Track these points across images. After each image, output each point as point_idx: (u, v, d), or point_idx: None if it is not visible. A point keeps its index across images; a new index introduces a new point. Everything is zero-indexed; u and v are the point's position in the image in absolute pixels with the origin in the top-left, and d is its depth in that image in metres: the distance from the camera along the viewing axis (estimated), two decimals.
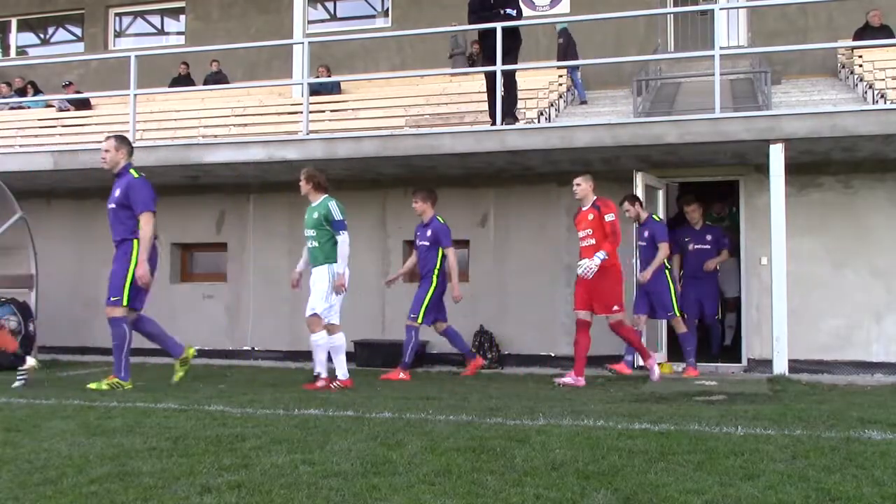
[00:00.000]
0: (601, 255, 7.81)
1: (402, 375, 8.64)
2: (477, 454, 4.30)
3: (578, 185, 8.16)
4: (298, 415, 5.69)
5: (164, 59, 16.39)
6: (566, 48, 14.19)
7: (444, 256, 8.91)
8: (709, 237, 9.54)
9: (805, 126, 8.40)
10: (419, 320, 8.78)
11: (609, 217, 7.98)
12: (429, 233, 8.95)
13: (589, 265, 7.83)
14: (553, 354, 9.81)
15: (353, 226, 10.88)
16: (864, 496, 3.51)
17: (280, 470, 3.99)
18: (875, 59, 12.49)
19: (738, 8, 14.66)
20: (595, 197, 8.13)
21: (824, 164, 9.47)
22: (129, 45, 19.32)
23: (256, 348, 11.19)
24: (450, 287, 8.90)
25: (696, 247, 9.52)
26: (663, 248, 8.91)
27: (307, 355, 10.72)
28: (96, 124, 14.42)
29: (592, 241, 7.97)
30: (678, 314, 9.01)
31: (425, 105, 12.94)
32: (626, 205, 9.02)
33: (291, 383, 8.19)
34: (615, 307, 8.03)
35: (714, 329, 10.48)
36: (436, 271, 8.87)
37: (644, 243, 9.11)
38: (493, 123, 9.41)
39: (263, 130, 12.55)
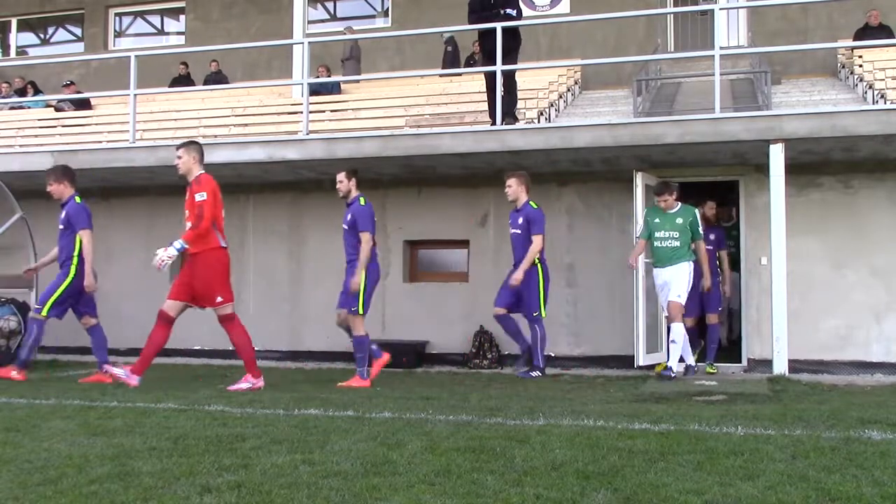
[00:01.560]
0: (178, 244, 7.15)
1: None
2: (477, 454, 4.30)
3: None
4: (298, 415, 5.69)
5: (164, 59, 16.40)
6: (453, 56, 14.52)
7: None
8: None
9: (805, 126, 8.40)
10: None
11: (199, 196, 7.15)
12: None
13: (162, 256, 7.13)
14: (553, 354, 9.80)
15: None
16: (864, 496, 3.51)
17: (280, 470, 3.99)
18: (875, 59, 12.48)
19: (738, 8, 14.66)
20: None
21: (824, 164, 9.47)
22: (129, 45, 19.32)
23: (256, 348, 11.15)
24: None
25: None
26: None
27: (307, 355, 10.77)
28: (96, 124, 14.42)
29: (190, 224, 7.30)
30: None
31: (425, 105, 12.94)
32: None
33: (291, 383, 8.20)
34: (219, 298, 7.47)
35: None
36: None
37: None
38: (493, 123, 9.41)
39: (263, 130, 12.54)
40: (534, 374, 8.58)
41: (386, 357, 8.32)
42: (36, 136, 14.25)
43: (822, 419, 5.43)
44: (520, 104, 10.64)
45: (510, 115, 9.60)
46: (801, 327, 9.10)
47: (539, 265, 8.52)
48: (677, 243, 8.55)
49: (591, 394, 7.28)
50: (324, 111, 13.18)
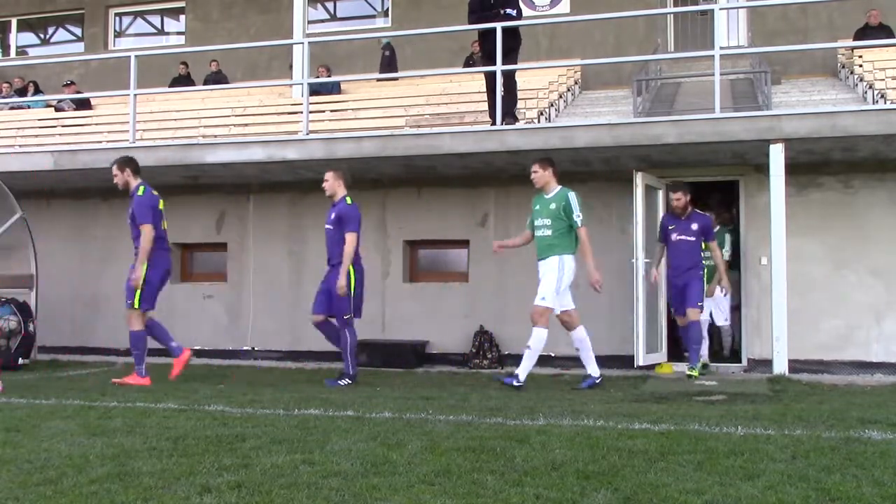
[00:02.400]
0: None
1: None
2: (477, 454, 4.30)
3: None
4: (298, 415, 5.69)
5: (164, 59, 16.39)
6: (390, 61, 14.83)
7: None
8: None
9: (805, 126, 8.40)
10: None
11: None
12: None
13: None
14: (553, 354, 9.80)
15: None
16: (864, 496, 3.51)
17: (280, 470, 3.99)
18: (875, 59, 12.48)
19: (738, 8, 14.66)
20: None
21: (824, 164, 9.47)
22: (129, 45, 19.32)
23: (256, 348, 11.19)
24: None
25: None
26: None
27: (307, 355, 10.76)
28: (96, 124, 14.42)
29: None
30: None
31: (425, 105, 12.94)
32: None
33: (291, 383, 8.20)
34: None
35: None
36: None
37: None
38: (493, 123, 9.41)
39: (263, 130, 12.54)
40: (342, 382, 7.99)
41: (186, 354, 8.22)
42: (36, 136, 14.25)
43: (822, 419, 5.43)
44: (520, 104, 10.64)
45: (510, 115, 9.60)
46: (801, 327, 9.10)
47: (352, 266, 7.98)
48: (549, 231, 7.66)
49: (591, 394, 7.28)
50: (324, 111, 13.18)
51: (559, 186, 7.83)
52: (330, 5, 18.65)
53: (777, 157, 8.48)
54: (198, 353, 11.15)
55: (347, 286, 7.95)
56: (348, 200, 8.15)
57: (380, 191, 10.77)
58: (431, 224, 10.72)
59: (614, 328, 9.75)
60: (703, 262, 9.08)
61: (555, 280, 7.60)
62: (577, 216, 7.63)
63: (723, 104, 9.43)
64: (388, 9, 17.69)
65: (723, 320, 9.79)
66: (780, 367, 8.40)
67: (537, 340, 7.57)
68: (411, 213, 10.81)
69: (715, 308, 9.65)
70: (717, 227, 10.06)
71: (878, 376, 8.97)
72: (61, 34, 20.19)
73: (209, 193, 11.45)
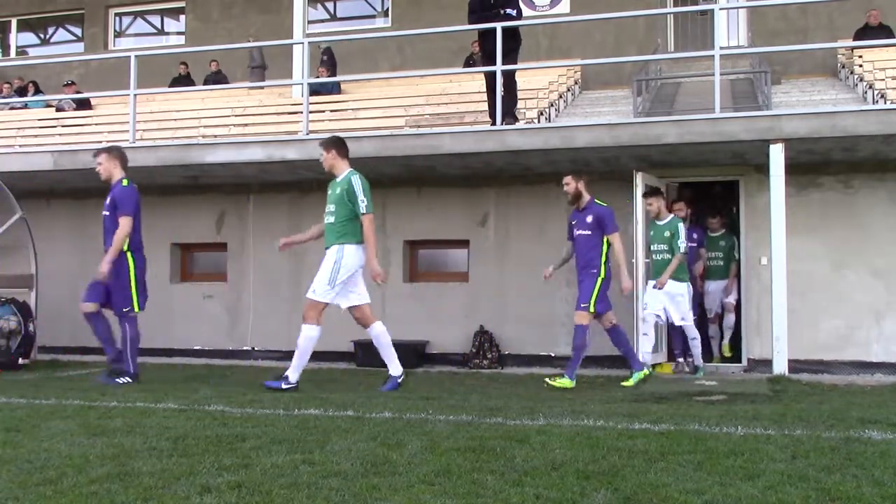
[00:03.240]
0: None
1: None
2: (477, 454, 4.30)
3: None
4: (298, 415, 5.68)
5: (164, 59, 16.39)
6: (329, 65, 15.03)
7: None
8: (589, 219, 8.25)
9: (805, 126, 8.40)
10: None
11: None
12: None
13: None
14: (553, 354, 9.81)
15: None
16: (864, 496, 3.51)
17: (280, 470, 3.99)
18: (875, 59, 12.48)
19: (738, 8, 14.66)
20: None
21: (824, 164, 9.47)
22: (129, 45, 19.32)
23: (256, 348, 11.19)
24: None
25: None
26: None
27: None
28: (96, 124, 14.41)
29: None
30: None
31: (425, 105, 12.94)
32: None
33: None
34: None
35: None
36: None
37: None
38: (493, 123, 9.41)
39: (263, 130, 12.55)
40: (121, 380, 7.63)
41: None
42: (36, 136, 14.25)
43: (822, 419, 5.43)
44: (520, 104, 10.64)
45: (510, 115, 9.60)
46: (801, 327, 9.10)
47: (130, 254, 7.66)
48: (332, 219, 7.27)
49: (591, 394, 7.28)
50: (324, 111, 13.18)
51: (349, 169, 7.31)
52: (330, 5, 18.65)
53: (777, 157, 8.48)
54: (198, 353, 11.18)
55: (126, 277, 7.64)
56: (124, 182, 7.80)
57: (380, 191, 10.72)
58: (431, 224, 10.72)
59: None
60: (659, 255, 8.80)
61: (328, 272, 7.09)
62: (362, 202, 7.08)
63: (723, 104, 9.44)
64: (388, 9, 17.69)
65: (679, 319, 8.84)
66: (780, 367, 8.40)
67: (304, 339, 7.20)
68: (411, 213, 10.81)
69: (671, 305, 8.79)
70: (721, 231, 10.10)
71: (878, 376, 8.98)
72: (61, 34, 20.19)
73: (209, 193, 11.45)
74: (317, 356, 10.64)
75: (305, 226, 11.04)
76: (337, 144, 7.39)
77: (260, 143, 10.07)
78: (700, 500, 3.47)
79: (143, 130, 13.08)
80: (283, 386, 7.24)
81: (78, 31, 19.80)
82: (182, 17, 19.11)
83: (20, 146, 13.36)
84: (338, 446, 4.53)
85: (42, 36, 20.38)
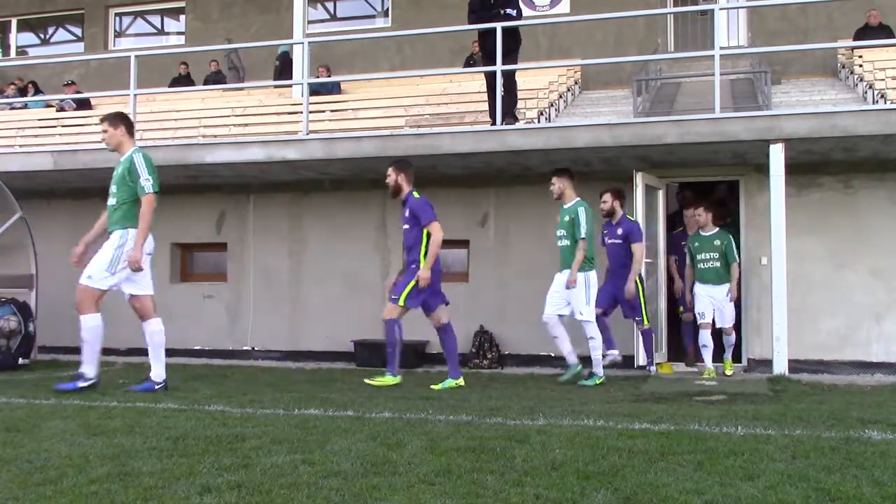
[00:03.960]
0: None
1: None
2: (477, 454, 4.30)
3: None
4: (298, 415, 5.69)
5: (164, 59, 16.39)
6: (282, 70, 15.24)
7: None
8: (619, 231, 8.76)
9: (805, 126, 8.40)
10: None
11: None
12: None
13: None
14: (553, 354, 9.79)
15: (353, 226, 10.96)
16: (864, 496, 3.51)
17: (280, 470, 3.99)
18: (875, 59, 12.48)
19: (738, 8, 14.66)
20: None
21: (824, 164, 9.47)
22: (129, 45, 19.31)
23: (256, 348, 11.19)
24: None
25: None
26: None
27: (307, 355, 10.77)
28: (96, 124, 14.38)
29: None
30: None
31: (425, 105, 12.94)
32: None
33: (291, 383, 8.19)
34: None
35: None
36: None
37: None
38: (493, 123, 9.41)
39: (263, 130, 12.55)
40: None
41: None
42: (36, 136, 14.25)
43: (822, 419, 5.43)
44: (520, 104, 10.64)
45: (510, 115, 9.60)
46: (801, 327, 9.10)
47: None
48: (114, 200, 6.96)
49: (591, 394, 7.28)
50: (324, 111, 13.19)
51: (133, 147, 6.95)
52: (330, 5, 18.64)
53: (777, 157, 8.49)
54: (198, 353, 11.18)
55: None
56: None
57: (380, 191, 10.73)
58: None
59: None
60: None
61: (108, 257, 6.72)
62: (146, 180, 6.71)
63: (723, 104, 9.44)
64: (388, 9, 17.69)
65: (578, 314, 8.11)
66: (780, 367, 8.40)
67: (87, 330, 6.73)
68: None
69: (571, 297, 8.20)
70: (714, 230, 10.04)
71: (878, 376, 8.98)
72: (61, 34, 20.18)
73: (209, 193, 11.44)
74: (317, 356, 10.71)
75: (305, 225, 11.11)
76: (121, 118, 7.04)
77: (260, 143, 10.07)
78: (700, 500, 3.47)
79: (143, 130, 13.08)
80: (80, 385, 6.78)
81: (78, 31, 19.79)
82: (182, 17, 19.11)
83: (20, 146, 13.36)
84: (338, 446, 4.53)
85: (42, 36, 20.37)
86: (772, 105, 11.29)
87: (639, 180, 9.44)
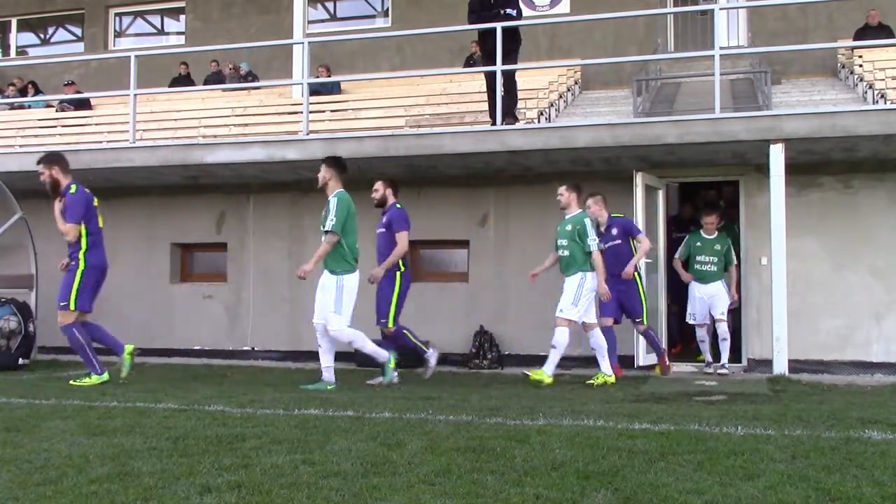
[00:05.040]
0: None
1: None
2: (477, 454, 4.30)
3: None
4: (298, 415, 5.69)
5: (164, 59, 16.39)
6: (246, 77, 15.61)
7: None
8: (615, 231, 8.70)
9: (805, 126, 8.40)
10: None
11: None
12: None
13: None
14: None
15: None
16: (864, 496, 3.51)
17: (280, 470, 3.99)
18: (875, 59, 12.48)
19: (738, 8, 14.65)
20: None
21: (824, 164, 9.47)
22: (129, 45, 19.30)
23: (256, 348, 11.19)
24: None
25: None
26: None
27: (307, 355, 10.74)
28: (96, 124, 14.42)
29: None
30: None
31: (425, 105, 12.94)
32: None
33: (291, 383, 8.19)
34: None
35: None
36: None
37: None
38: (493, 123, 9.41)
39: (263, 130, 12.55)
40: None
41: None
42: (36, 136, 14.25)
43: (822, 419, 5.43)
44: (520, 104, 10.63)
45: (510, 115, 9.60)
46: (801, 327, 9.10)
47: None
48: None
49: (591, 394, 7.28)
50: (324, 111, 13.18)
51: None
52: (330, 5, 18.64)
53: (777, 157, 8.49)
54: (198, 354, 11.18)
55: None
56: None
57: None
58: (432, 224, 10.70)
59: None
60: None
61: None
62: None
63: (723, 104, 9.44)
64: (388, 9, 17.69)
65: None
66: (780, 367, 8.40)
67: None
68: (412, 213, 10.74)
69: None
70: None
71: (878, 376, 8.98)
72: (61, 34, 20.17)
73: (209, 193, 11.45)
74: (317, 356, 10.67)
75: (305, 225, 11.10)
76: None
77: (260, 143, 10.07)
78: (700, 500, 3.47)
79: (144, 130, 13.09)
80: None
81: (78, 31, 19.79)
82: (182, 17, 19.10)
83: (20, 146, 13.36)
84: (338, 446, 4.53)
85: (42, 36, 20.37)
86: (772, 105, 11.29)
87: (639, 180, 9.44)
